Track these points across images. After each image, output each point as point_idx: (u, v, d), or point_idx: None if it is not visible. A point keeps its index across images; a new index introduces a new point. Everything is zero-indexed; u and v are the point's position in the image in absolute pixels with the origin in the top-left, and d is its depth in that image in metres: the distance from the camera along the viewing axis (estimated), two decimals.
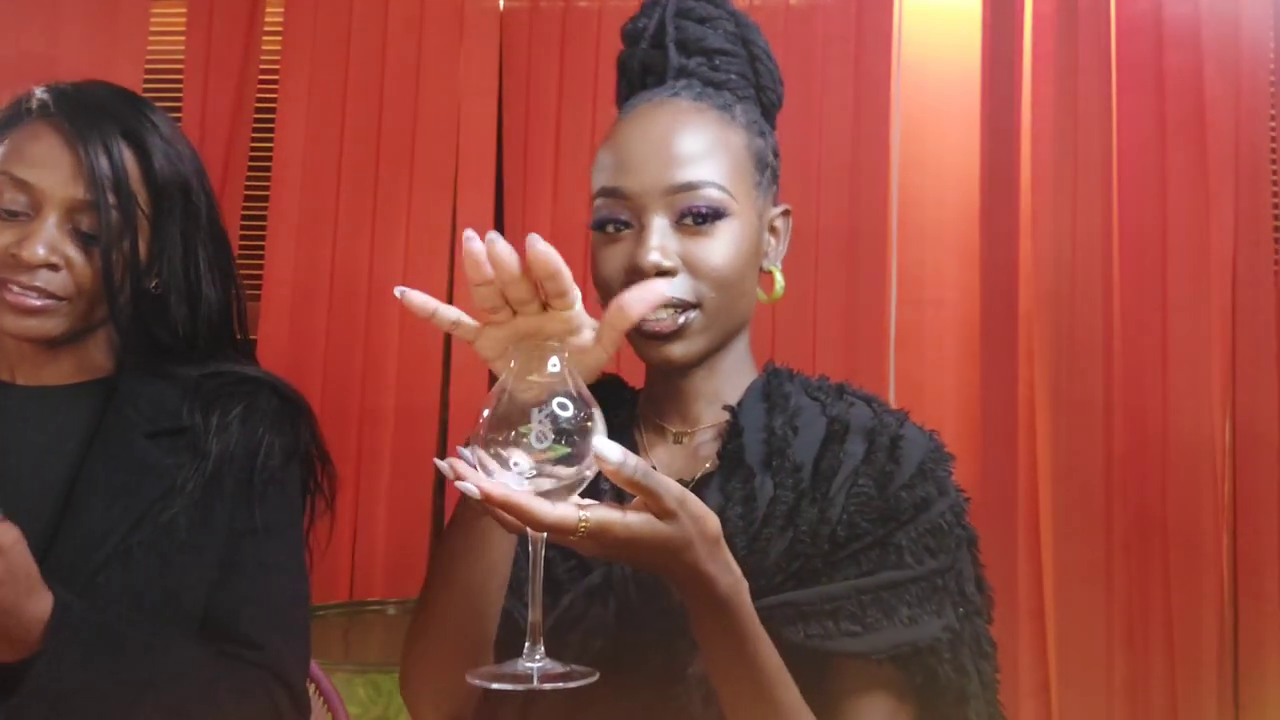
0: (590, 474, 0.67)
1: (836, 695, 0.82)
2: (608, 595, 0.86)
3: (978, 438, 2.31)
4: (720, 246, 0.88)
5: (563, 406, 0.66)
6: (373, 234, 2.50)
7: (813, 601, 0.81)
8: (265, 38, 2.57)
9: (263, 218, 2.52)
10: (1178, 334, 2.28)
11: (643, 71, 0.96)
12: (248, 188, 2.53)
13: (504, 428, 0.66)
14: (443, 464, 0.67)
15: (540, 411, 0.66)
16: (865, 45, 2.42)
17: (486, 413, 0.66)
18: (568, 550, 0.86)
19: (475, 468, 0.66)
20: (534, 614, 0.69)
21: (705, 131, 0.89)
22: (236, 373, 1.06)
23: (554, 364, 0.68)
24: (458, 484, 0.65)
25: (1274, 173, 2.34)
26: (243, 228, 2.51)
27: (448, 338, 2.47)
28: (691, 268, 0.87)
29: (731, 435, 0.89)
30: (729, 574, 0.73)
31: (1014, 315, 2.32)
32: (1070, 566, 2.26)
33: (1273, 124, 2.34)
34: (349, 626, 2.23)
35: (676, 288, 0.87)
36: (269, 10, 2.57)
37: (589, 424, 0.67)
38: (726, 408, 0.91)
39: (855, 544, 0.83)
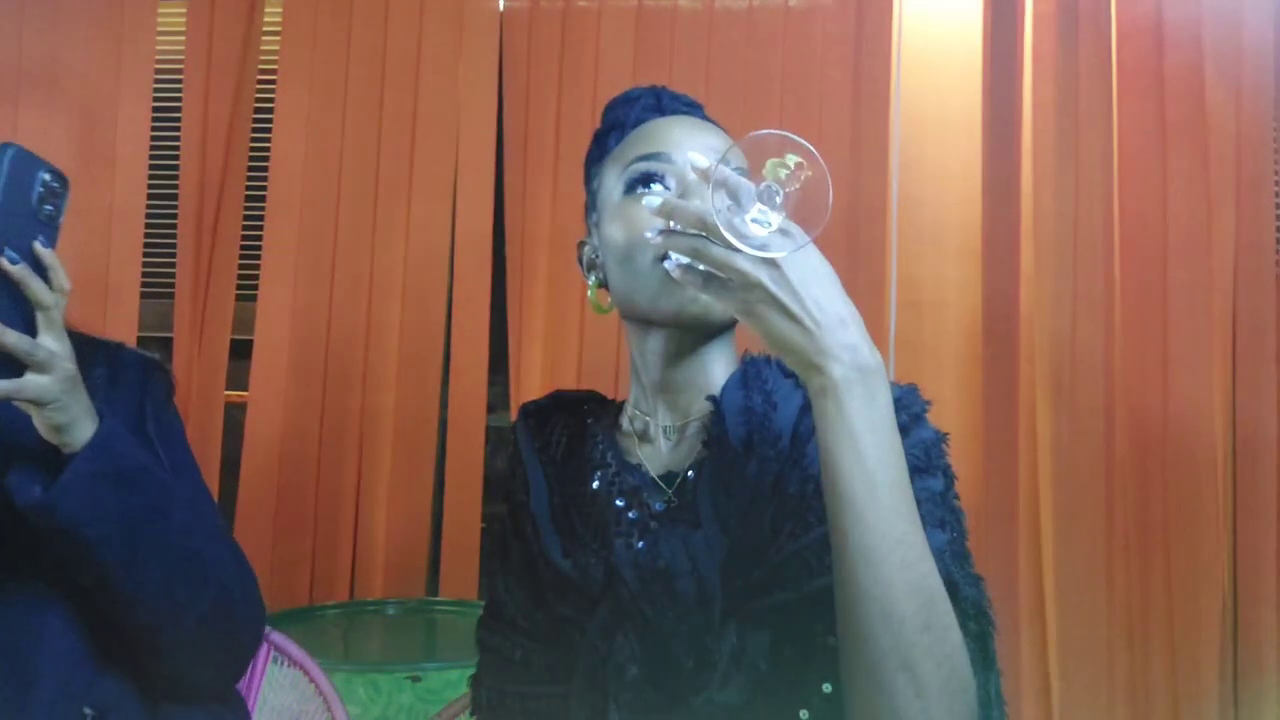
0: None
1: None
2: (623, 623, 0.87)
3: (978, 439, 2.31)
4: None
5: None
6: (373, 234, 2.49)
7: (811, 545, 0.82)
8: (264, 37, 2.57)
9: (260, 218, 2.52)
10: (1178, 335, 2.28)
11: (637, 124, 0.99)
12: (246, 188, 2.53)
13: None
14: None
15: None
16: (865, 46, 2.41)
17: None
18: (565, 585, 0.90)
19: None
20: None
21: (727, 142, 0.96)
22: (81, 336, 1.05)
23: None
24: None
25: (1275, 174, 2.34)
26: (241, 227, 2.51)
27: (448, 338, 2.49)
28: None
29: (715, 423, 0.92)
30: (876, 350, 0.76)
31: (1014, 317, 2.32)
32: (1071, 567, 2.26)
33: (1274, 125, 2.34)
34: (349, 626, 2.23)
35: None
36: (268, 10, 2.57)
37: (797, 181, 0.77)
38: (709, 398, 0.94)
39: None
